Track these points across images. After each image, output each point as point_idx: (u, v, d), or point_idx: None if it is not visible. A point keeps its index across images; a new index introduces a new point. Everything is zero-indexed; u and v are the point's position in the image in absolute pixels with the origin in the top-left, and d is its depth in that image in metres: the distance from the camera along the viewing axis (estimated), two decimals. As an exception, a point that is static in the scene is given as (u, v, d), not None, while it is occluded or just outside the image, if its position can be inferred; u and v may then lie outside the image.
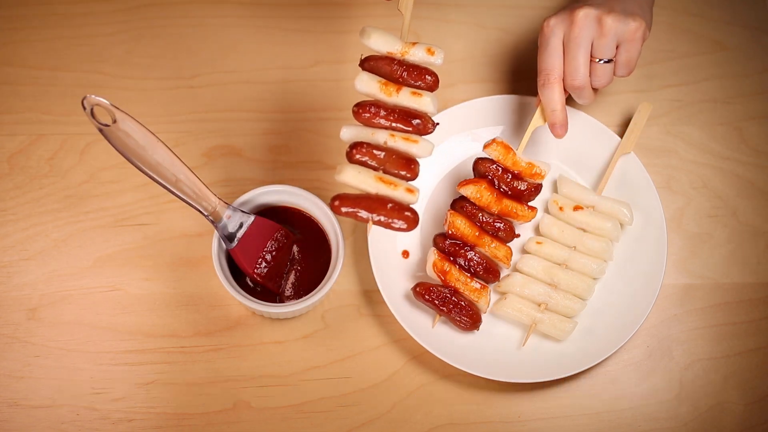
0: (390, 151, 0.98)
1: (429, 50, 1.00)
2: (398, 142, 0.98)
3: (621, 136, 1.19)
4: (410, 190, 0.98)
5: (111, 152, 1.18)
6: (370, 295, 1.14)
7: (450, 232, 1.10)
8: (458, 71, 1.24)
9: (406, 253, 1.15)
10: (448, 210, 1.11)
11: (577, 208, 1.14)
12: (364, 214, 0.96)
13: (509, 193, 1.11)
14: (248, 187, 1.13)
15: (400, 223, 0.97)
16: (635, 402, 1.12)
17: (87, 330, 1.11)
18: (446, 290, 1.09)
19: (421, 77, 1.00)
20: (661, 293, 1.14)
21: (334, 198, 0.95)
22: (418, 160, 1.00)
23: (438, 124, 1.02)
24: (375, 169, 0.98)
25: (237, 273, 1.09)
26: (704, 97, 1.24)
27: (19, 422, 1.08)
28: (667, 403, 1.12)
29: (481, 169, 1.11)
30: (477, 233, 1.10)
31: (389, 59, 1.00)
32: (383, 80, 0.99)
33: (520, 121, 1.19)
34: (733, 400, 1.12)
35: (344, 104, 1.21)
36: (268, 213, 1.11)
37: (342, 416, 1.09)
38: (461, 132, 1.18)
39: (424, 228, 1.16)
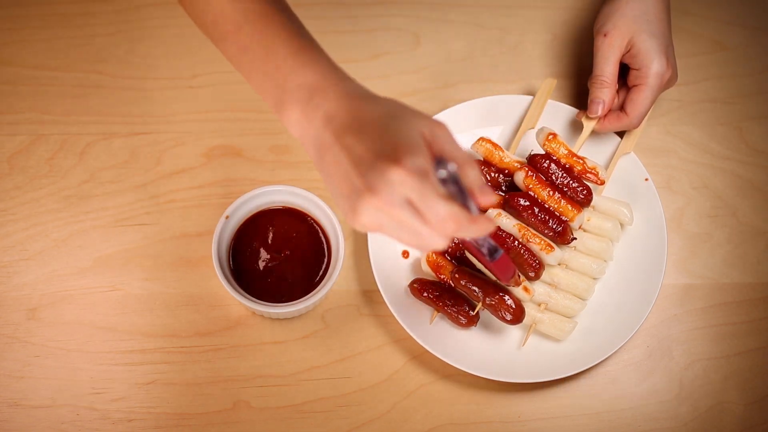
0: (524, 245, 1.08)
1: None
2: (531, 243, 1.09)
3: (621, 136, 1.19)
4: (527, 289, 1.08)
5: (111, 152, 1.18)
6: (370, 295, 1.14)
7: None
8: (458, 71, 1.24)
9: (406, 253, 1.15)
10: None
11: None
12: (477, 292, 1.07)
13: (496, 188, 1.14)
14: (248, 187, 1.13)
15: (506, 314, 1.06)
16: (635, 402, 1.12)
17: (87, 330, 1.11)
18: (442, 286, 1.09)
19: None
20: (661, 293, 1.14)
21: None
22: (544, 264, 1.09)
23: (575, 239, 1.12)
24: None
25: (237, 273, 1.09)
26: (704, 97, 1.24)
27: (19, 422, 1.08)
28: (667, 403, 1.12)
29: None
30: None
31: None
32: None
33: (520, 121, 1.19)
34: (733, 400, 1.12)
35: (344, 104, 1.21)
36: (268, 213, 1.11)
37: (342, 416, 1.09)
38: (461, 132, 1.18)
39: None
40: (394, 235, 0.80)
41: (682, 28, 1.27)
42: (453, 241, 1.11)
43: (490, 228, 0.79)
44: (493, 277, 1.07)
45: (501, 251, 0.93)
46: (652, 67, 1.11)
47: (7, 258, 1.13)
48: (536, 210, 1.09)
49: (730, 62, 1.26)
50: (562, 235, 1.09)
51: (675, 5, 1.26)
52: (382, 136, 0.78)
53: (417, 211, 0.77)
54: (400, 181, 0.76)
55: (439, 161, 0.78)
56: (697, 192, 1.20)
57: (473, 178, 0.80)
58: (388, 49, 1.25)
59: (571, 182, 1.12)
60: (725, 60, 1.26)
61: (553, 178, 1.12)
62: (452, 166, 0.78)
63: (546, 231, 1.09)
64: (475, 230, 0.79)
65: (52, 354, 1.10)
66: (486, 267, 1.06)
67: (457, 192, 0.79)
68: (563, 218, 1.10)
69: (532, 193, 1.11)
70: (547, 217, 1.09)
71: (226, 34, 0.90)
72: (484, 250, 0.92)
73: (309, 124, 0.83)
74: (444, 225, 0.77)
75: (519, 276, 1.06)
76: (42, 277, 1.12)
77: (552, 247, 1.08)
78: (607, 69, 1.13)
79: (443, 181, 0.78)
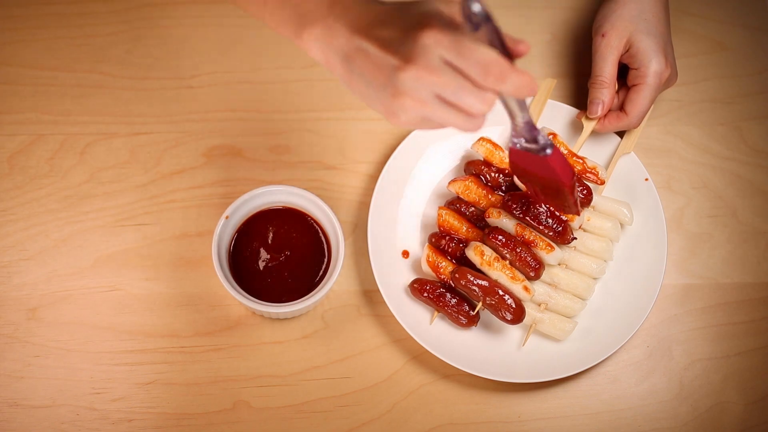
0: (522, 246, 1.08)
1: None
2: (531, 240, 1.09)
3: (621, 136, 1.19)
4: (527, 289, 1.07)
5: (111, 152, 1.18)
6: (370, 295, 1.14)
7: (441, 227, 1.12)
8: (458, 71, 1.24)
9: (406, 253, 1.15)
10: (439, 207, 1.12)
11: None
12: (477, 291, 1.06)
13: (496, 187, 1.14)
14: (248, 187, 1.13)
15: (507, 314, 1.06)
16: (635, 402, 1.12)
17: (87, 330, 1.11)
18: (442, 286, 1.09)
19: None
20: (661, 293, 1.14)
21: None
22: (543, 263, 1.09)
23: (575, 238, 1.11)
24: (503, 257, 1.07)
25: (237, 273, 1.09)
26: (704, 97, 1.24)
27: (19, 422, 1.08)
28: (667, 403, 1.12)
29: (470, 167, 1.14)
30: (466, 227, 1.11)
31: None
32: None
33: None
34: (733, 400, 1.12)
35: (344, 104, 1.21)
36: (268, 213, 1.11)
37: (342, 416, 1.09)
38: (461, 132, 1.18)
39: (425, 228, 1.16)
40: (437, 111, 0.79)
41: (682, 28, 1.27)
42: (443, 236, 1.11)
43: (531, 82, 0.77)
44: (544, 202, 1.05)
45: (553, 145, 0.91)
46: (650, 66, 1.11)
47: (7, 258, 1.13)
48: (535, 210, 1.10)
49: (730, 62, 1.26)
50: (562, 235, 1.09)
51: (675, 5, 1.26)
52: (406, 16, 0.79)
53: (458, 70, 0.77)
54: (435, 41, 0.76)
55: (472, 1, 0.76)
56: (697, 192, 1.20)
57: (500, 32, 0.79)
58: (388, 49, 1.24)
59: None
60: (725, 60, 1.26)
61: None
62: (478, 6, 0.75)
63: (546, 231, 1.09)
64: (518, 80, 0.77)
65: (52, 354, 1.10)
66: (539, 174, 0.99)
67: (494, 37, 0.77)
68: (563, 218, 1.10)
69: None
70: (547, 217, 1.09)
71: None
72: (541, 141, 0.90)
73: (333, 37, 0.82)
74: (487, 72, 0.76)
75: (577, 186, 1.01)
76: (42, 277, 1.12)
77: (552, 247, 1.08)
78: (605, 69, 1.13)
79: (477, 24, 0.76)
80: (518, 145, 0.93)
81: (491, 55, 0.76)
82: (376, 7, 0.82)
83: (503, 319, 1.07)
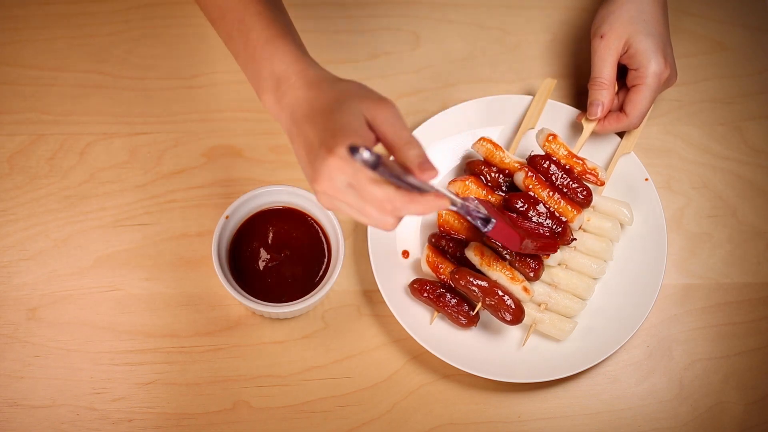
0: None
1: None
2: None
3: (621, 136, 1.19)
4: (527, 290, 1.07)
5: (111, 152, 1.18)
6: (370, 295, 1.14)
7: (441, 228, 1.11)
8: (458, 71, 1.24)
9: (406, 253, 1.15)
10: None
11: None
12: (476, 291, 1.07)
13: (496, 187, 1.14)
14: (248, 187, 1.13)
15: (506, 315, 1.06)
16: (635, 402, 1.12)
17: (87, 330, 1.11)
18: (442, 286, 1.09)
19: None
20: (661, 293, 1.14)
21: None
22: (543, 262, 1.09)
23: (575, 239, 1.11)
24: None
25: (237, 273, 1.09)
26: (704, 97, 1.24)
27: (19, 422, 1.08)
28: (667, 403, 1.12)
29: (470, 167, 1.14)
30: (465, 228, 1.11)
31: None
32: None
33: (520, 121, 1.19)
34: (733, 400, 1.12)
35: (344, 104, 1.21)
36: (268, 213, 1.11)
37: (342, 416, 1.09)
38: (461, 132, 1.18)
39: (425, 228, 1.16)
40: (349, 213, 0.85)
41: (682, 28, 1.27)
42: (443, 236, 1.11)
43: (438, 203, 0.82)
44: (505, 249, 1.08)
45: (494, 221, 0.96)
46: (649, 67, 1.11)
47: (7, 258, 1.13)
48: (534, 211, 1.10)
49: (730, 62, 1.26)
50: (561, 236, 1.09)
51: (675, 5, 1.26)
52: (327, 123, 0.83)
53: (360, 194, 0.82)
54: (337, 167, 0.81)
55: (353, 149, 0.79)
56: (697, 192, 1.20)
57: (413, 156, 0.82)
58: (388, 49, 1.25)
59: (570, 183, 1.12)
60: (725, 60, 1.26)
61: (553, 178, 1.12)
62: (366, 153, 0.79)
63: (545, 232, 1.09)
64: (418, 208, 0.81)
65: (52, 354, 1.10)
66: (490, 238, 1.05)
67: (389, 175, 0.80)
68: (563, 219, 1.10)
69: (532, 194, 1.11)
70: (547, 218, 1.09)
71: (214, 21, 0.96)
72: (478, 223, 0.95)
73: (280, 110, 0.89)
74: (381, 207, 0.81)
75: (530, 242, 1.04)
76: (42, 277, 1.12)
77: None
78: (604, 71, 1.13)
79: (369, 166, 0.79)
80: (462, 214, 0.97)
81: (386, 193, 0.81)
82: (314, 93, 0.87)
83: (502, 319, 1.07)
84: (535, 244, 1.05)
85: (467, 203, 0.94)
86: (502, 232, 1.00)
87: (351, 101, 0.84)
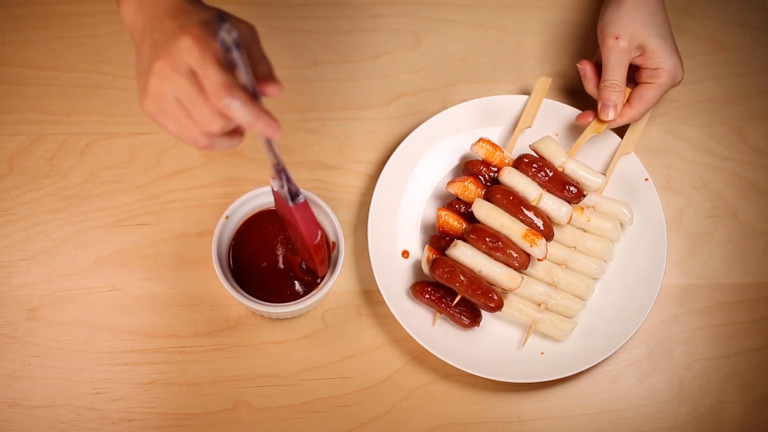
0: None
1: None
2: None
3: (621, 136, 1.19)
4: (513, 278, 1.08)
5: (111, 152, 1.18)
6: (370, 295, 1.14)
7: (441, 229, 1.12)
8: (458, 71, 1.24)
9: (406, 253, 1.15)
10: (438, 209, 1.12)
11: (577, 208, 1.14)
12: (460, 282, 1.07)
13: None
14: (248, 187, 1.13)
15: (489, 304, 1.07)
16: (635, 402, 1.12)
17: (87, 330, 1.11)
18: (444, 287, 1.09)
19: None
20: (661, 293, 1.14)
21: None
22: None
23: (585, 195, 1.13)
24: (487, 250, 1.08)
25: (237, 273, 1.09)
26: (704, 97, 1.24)
27: (19, 422, 1.08)
28: (667, 403, 1.12)
29: (468, 168, 1.14)
30: (465, 227, 1.11)
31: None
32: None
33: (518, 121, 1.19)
34: (733, 400, 1.12)
35: (344, 104, 1.21)
36: (268, 213, 1.11)
37: (342, 416, 1.09)
38: (461, 132, 1.18)
39: (425, 228, 1.16)
40: (173, 115, 0.84)
41: (682, 28, 1.27)
42: (443, 237, 1.11)
43: (266, 123, 0.82)
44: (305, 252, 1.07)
45: (303, 197, 0.96)
46: (666, 66, 1.11)
47: (7, 258, 1.13)
48: (548, 172, 1.10)
49: (730, 62, 1.26)
50: (577, 197, 1.10)
51: (675, 5, 1.26)
52: (191, 17, 0.84)
53: (197, 84, 0.81)
54: (186, 47, 0.81)
55: (222, 19, 0.79)
56: (697, 192, 1.20)
57: (264, 69, 0.84)
58: (388, 49, 1.25)
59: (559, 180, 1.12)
60: (725, 60, 1.26)
61: (540, 176, 1.12)
62: (233, 30, 0.80)
63: (564, 192, 1.11)
64: (249, 112, 0.81)
65: (52, 354, 1.10)
66: (291, 222, 1.03)
67: (241, 66, 0.81)
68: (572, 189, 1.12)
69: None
70: (561, 182, 1.11)
71: None
72: (285, 192, 0.96)
73: (139, 13, 0.88)
74: (217, 93, 0.80)
75: (327, 261, 1.06)
76: (42, 277, 1.12)
77: (536, 241, 1.08)
78: (618, 73, 1.12)
79: (225, 47, 0.80)
80: (275, 187, 0.98)
81: (225, 78, 0.80)
82: (179, 3, 0.87)
83: (486, 308, 1.07)
84: (570, 187, 1.08)
85: (286, 172, 0.94)
86: (306, 214, 0.99)
87: (205, 8, 0.86)
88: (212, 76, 0.80)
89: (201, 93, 0.81)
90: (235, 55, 0.80)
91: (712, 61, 1.26)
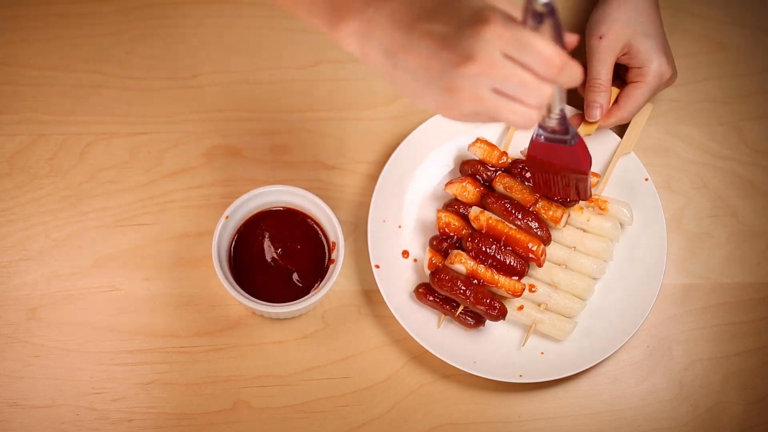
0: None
1: None
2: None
3: (621, 136, 1.19)
4: (514, 286, 1.08)
5: (111, 152, 1.18)
6: (370, 295, 1.14)
7: (442, 230, 1.11)
8: (458, 71, 1.24)
9: (406, 253, 1.15)
10: (437, 210, 1.12)
11: (577, 208, 1.14)
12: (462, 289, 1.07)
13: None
14: (248, 187, 1.13)
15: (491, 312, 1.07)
16: (635, 402, 1.12)
17: (87, 330, 1.11)
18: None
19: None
20: (661, 293, 1.14)
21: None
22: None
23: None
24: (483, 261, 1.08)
25: (237, 273, 1.09)
26: (704, 97, 1.24)
27: (19, 422, 1.08)
28: (667, 403, 1.12)
29: (466, 168, 1.14)
30: (466, 229, 1.11)
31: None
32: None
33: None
34: (733, 400, 1.12)
35: (344, 104, 1.21)
36: (268, 213, 1.11)
37: (342, 416, 1.09)
38: (461, 132, 1.18)
39: (425, 228, 1.16)
40: (494, 105, 0.78)
41: (682, 28, 1.26)
42: (443, 238, 1.11)
43: (582, 72, 0.79)
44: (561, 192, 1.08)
45: (576, 132, 0.96)
46: (652, 66, 1.11)
47: (7, 258, 1.13)
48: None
49: (730, 62, 1.26)
50: (572, 200, 1.11)
51: (675, 5, 1.26)
52: (457, 11, 0.78)
53: (519, 64, 0.77)
54: (495, 36, 0.76)
55: None
56: (697, 192, 1.20)
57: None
58: (388, 49, 1.24)
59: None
60: (725, 60, 1.26)
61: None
62: None
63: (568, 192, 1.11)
64: (574, 70, 0.78)
65: (52, 354, 1.10)
66: (559, 164, 1.03)
67: (555, 30, 0.78)
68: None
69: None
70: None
71: None
72: (571, 131, 0.94)
73: (373, 30, 0.80)
74: (549, 63, 0.76)
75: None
76: (42, 277, 1.12)
77: (534, 247, 1.08)
78: (603, 72, 1.13)
79: (540, 18, 0.77)
80: (542, 137, 0.96)
81: (553, 48, 0.76)
82: (409, 2, 0.80)
83: (489, 317, 1.07)
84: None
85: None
86: (584, 145, 0.99)
87: None
88: (540, 50, 0.76)
89: (528, 72, 0.77)
90: (554, 20, 0.77)
91: (712, 61, 1.26)
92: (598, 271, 1.12)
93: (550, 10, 0.76)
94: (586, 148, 1.00)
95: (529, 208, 1.10)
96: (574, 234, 1.13)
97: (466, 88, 0.77)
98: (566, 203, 1.11)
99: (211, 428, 1.08)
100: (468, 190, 1.12)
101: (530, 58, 0.76)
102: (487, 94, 0.78)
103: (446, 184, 1.13)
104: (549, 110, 0.90)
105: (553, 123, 0.93)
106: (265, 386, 1.10)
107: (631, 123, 1.18)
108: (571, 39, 0.81)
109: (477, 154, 1.14)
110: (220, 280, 1.06)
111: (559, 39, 0.78)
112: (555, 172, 1.05)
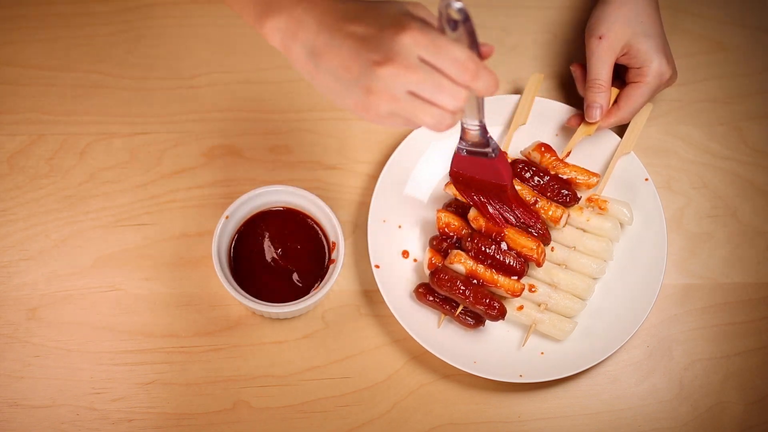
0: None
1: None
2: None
3: (621, 136, 1.19)
4: (514, 286, 1.08)
5: (111, 152, 1.18)
6: (370, 295, 1.14)
7: (442, 230, 1.11)
8: (458, 71, 1.24)
9: (406, 253, 1.15)
10: (437, 210, 1.12)
11: (576, 208, 1.14)
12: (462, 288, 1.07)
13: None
14: (248, 187, 1.13)
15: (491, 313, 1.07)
16: (635, 402, 1.12)
17: (87, 330, 1.11)
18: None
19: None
20: (661, 293, 1.14)
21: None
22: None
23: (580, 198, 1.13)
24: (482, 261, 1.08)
25: (237, 273, 1.09)
26: (704, 97, 1.24)
27: (19, 422, 1.08)
28: (667, 403, 1.12)
29: None
30: (465, 229, 1.11)
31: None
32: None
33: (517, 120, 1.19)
34: (733, 400, 1.12)
35: (344, 104, 1.21)
36: (268, 213, 1.11)
37: (342, 416, 1.09)
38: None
39: (425, 227, 1.16)
40: (410, 107, 0.81)
41: (682, 28, 1.27)
42: (443, 238, 1.11)
43: (497, 81, 0.81)
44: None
45: (499, 149, 0.97)
46: (652, 66, 1.12)
47: (7, 258, 1.13)
48: (542, 176, 1.11)
49: (730, 62, 1.26)
50: (572, 200, 1.11)
51: (675, 5, 1.26)
52: (381, 15, 0.81)
53: (434, 68, 0.79)
54: (413, 41, 0.79)
55: (448, 2, 0.78)
56: (697, 192, 1.20)
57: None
58: (388, 49, 1.24)
59: (552, 184, 1.12)
60: (725, 60, 1.26)
61: (534, 181, 1.12)
62: (460, 4, 0.79)
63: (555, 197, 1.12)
64: (488, 78, 0.80)
65: (52, 354, 1.10)
66: (481, 179, 1.04)
67: (469, 38, 0.80)
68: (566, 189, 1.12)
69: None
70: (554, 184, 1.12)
71: None
72: (492, 143, 0.96)
73: (299, 29, 0.83)
74: (463, 69, 0.79)
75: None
76: (42, 277, 1.12)
77: (534, 247, 1.08)
78: (603, 73, 1.13)
79: (455, 25, 0.79)
80: (464, 151, 0.98)
81: (467, 53, 0.79)
82: (345, 3, 0.83)
83: (488, 317, 1.07)
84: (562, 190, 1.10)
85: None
86: (505, 160, 1.00)
87: (390, 2, 0.83)
88: (455, 56, 0.79)
89: (443, 76, 0.79)
90: (468, 27, 0.80)
91: (712, 61, 1.26)
92: (598, 271, 1.12)
93: (464, 17, 0.79)
94: (507, 162, 1.01)
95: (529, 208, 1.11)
96: (574, 234, 1.13)
97: (383, 88, 0.80)
98: (567, 204, 1.12)
99: (211, 428, 1.08)
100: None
101: (445, 63, 0.79)
102: (403, 95, 0.80)
103: (446, 184, 1.13)
104: (464, 121, 0.92)
105: (473, 135, 0.94)
106: (265, 386, 1.10)
107: (631, 123, 1.18)
108: (487, 49, 0.84)
109: None
110: (220, 280, 1.06)
111: (474, 46, 0.81)
112: (478, 187, 1.05)
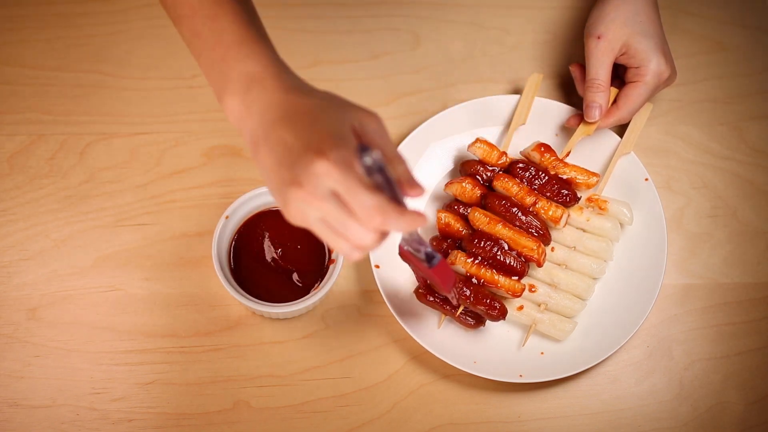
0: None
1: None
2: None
3: (621, 136, 1.19)
4: (514, 286, 1.08)
5: (111, 152, 1.18)
6: (370, 295, 1.14)
7: (442, 231, 1.12)
8: (458, 71, 1.24)
9: (406, 253, 1.15)
10: (437, 210, 1.12)
11: (576, 208, 1.14)
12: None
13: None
14: (248, 187, 1.13)
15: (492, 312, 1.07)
16: (635, 402, 1.12)
17: (87, 330, 1.11)
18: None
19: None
20: (661, 293, 1.14)
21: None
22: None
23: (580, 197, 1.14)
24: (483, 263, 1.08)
25: (237, 273, 1.09)
26: (704, 97, 1.24)
27: (19, 422, 1.08)
28: (667, 403, 1.12)
29: (466, 168, 1.14)
30: (465, 230, 1.11)
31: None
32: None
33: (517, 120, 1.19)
34: (733, 400, 1.12)
35: (344, 104, 1.21)
36: (268, 213, 1.11)
37: (342, 416, 1.09)
38: (461, 132, 1.18)
39: (425, 231, 1.16)
40: (321, 231, 0.80)
41: (682, 28, 1.27)
42: (442, 238, 1.11)
43: (419, 221, 0.78)
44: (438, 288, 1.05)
45: (439, 257, 0.92)
46: (650, 65, 1.12)
47: (7, 258, 1.13)
48: (542, 177, 1.11)
49: (730, 62, 1.26)
50: (572, 200, 1.11)
51: (675, 5, 1.26)
52: (312, 127, 0.79)
53: (343, 204, 0.77)
54: (324, 172, 0.76)
55: (364, 149, 0.76)
56: (697, 192, 1.20)
57: (401, 170, 0.80)
58: (388, 49, 1.25)
59: (552, 185, 1.12)
60: (725, 60, 1.26)
61: (534, 181, 1.12)
62: (376, 154, 0.76)
63: (555, 197, 1.11)
64: (404, 223, 0.77)
65: (52, 354, 1.10)
66: (426, 276, 1.02)
67: (384, 183, 0.78)
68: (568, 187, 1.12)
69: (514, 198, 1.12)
70: (554, 184, 1.11)
71: (181, 18, 0.91)
72: (422, 256, 0.91)
73: (247, 114, 0.83)
74: (370, 216, 0.77)
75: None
76: (42, 277, 1.12)
77: (534, 247, 1.08)
78: (601, 73, 1.13)
79: (369, 171, 0.77)
80: (406, 247, 0.95)
81: (376, 200, 0.76)
82: (292, 97, 0.82)
83: (489, 317, 1.07)
84: (563, 191, 1.09)
85: (423, 241, 0.91)
86: (445, 271, 0.96)
87: (337, 108, 0.80)
88: (362, 201, 0.76)
89: (350, 214, 0.77)
90: (382, 177, 0.77)
91: (712, 61, 1.26)
92: (598, 271, 1.12)
93: (378, 168, 0.76)
94: (446, 271, 0.96)
95: (529, 208, 1.11)
96: (574, 234, 1.13)
97: (295, 207, 0.79)
98: (566, 203, 1.12)
99: (211, 428, 1.08)
100: (467, 190, 1.12)
101: (354, 204, 0.76)
102: (314, 219, 0.79)
103: (446, 185, 1.13)
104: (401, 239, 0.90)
105: (407, 248, 0.92)
106: (265, 386, 1.10)
107: (630, 123, 1.18)
108: (414, 192, 0.80)
109: (477, 154, 1.14)
110: (220, 280, 1.06)
111: (391, 191, 0.78)
112: (423, 275, 1.04)
